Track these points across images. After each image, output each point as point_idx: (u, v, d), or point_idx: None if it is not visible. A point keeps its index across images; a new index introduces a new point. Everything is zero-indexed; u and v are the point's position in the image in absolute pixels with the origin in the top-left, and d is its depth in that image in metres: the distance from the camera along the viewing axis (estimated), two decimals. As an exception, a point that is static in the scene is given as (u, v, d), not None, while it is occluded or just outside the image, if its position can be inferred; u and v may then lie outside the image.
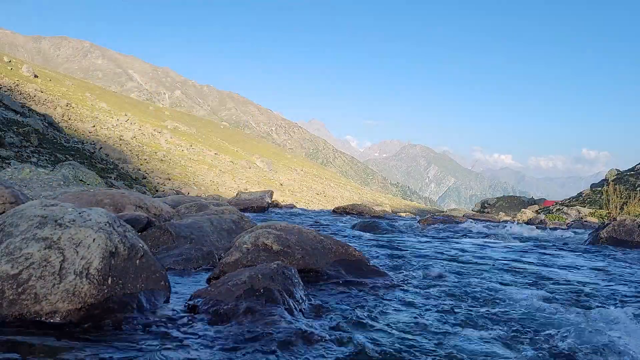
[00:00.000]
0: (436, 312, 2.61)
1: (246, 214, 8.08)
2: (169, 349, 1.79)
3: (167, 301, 2.38)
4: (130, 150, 43.33)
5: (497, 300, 2.93)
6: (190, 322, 2.11)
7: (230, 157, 62.51)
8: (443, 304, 2.78)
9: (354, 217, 13.56)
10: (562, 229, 11.38)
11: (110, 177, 19.67)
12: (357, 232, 7.84)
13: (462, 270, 4.06)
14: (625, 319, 2.43)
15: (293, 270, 2.61)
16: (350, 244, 3.82)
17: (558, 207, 29.13)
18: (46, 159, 21.13)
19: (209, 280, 3.02)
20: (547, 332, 2.27)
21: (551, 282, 3.74)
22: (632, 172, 32.75)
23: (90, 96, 61.66)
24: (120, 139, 46.20)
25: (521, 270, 4.29)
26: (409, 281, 3.46)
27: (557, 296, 3.17)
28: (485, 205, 42.46)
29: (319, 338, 1.98)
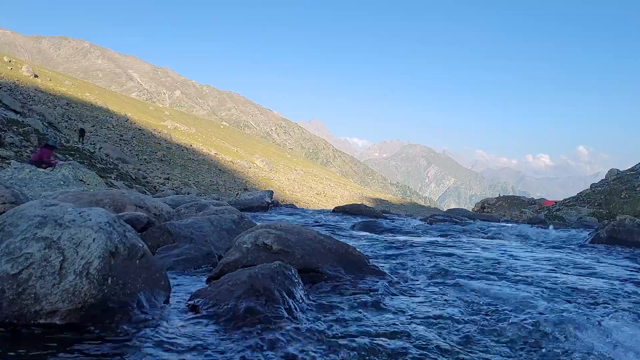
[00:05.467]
0: (435, 312, 2.61)
1: (246, 214, 8.08)
2: (169, 349, 1.79)
3: (167, 301, 2.38)
4: (130, 150, 43.33)
5: (495, 301, 2.93)
6: (190, 322, 2.11)
7: (230, 157, 62.50)
8: (442, 304, 2.78)
9: (354, 217, 13.54)
10: (562, 229, 11.38)
11: (110, 177, 19.66)
12: (357, 232, 7.83)
13: (462, 270, 4.05)
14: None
15: (293, 270, 2.61)
16: (350, 244, 3.82)
17: (558, 207, 29.13)
18: (46, 159, 21.09)
19: (209, 280, 3.02)
20: (547, 340, 2.27)
21: (550, 283, 3.74)
22: (632, 172, 32.73)
23: (90, 96, 61.63)
24: (120, 139, 46.21)
25: (521, 271, 4.29)
26: (408, 281, 3.46)
27: (555, 297, 3.17)
28: (486, 205, 42.47)
29: (319, 338, 1.98)
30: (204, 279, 3.13)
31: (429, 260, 4.51)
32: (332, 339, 1.98)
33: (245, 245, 3.25)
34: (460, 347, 2.06)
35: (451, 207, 38.05)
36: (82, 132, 32.82)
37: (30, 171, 9.14)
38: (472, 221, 12.59)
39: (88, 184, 9.98)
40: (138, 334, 1.91)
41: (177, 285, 2.83)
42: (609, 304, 3.01)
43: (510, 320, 2.44)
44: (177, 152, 52.19)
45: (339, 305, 2.62)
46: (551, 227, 10.83)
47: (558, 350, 2.05)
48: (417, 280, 3.50)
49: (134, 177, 26.02)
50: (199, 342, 1.86)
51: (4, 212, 3.98)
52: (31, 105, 36.46)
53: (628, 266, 4.96)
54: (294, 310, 2.26)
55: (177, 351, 1.77)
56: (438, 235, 8.17)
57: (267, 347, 1.82)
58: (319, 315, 2.38)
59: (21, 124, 22.63)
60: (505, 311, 2.64)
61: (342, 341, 1.96)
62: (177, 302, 2.41)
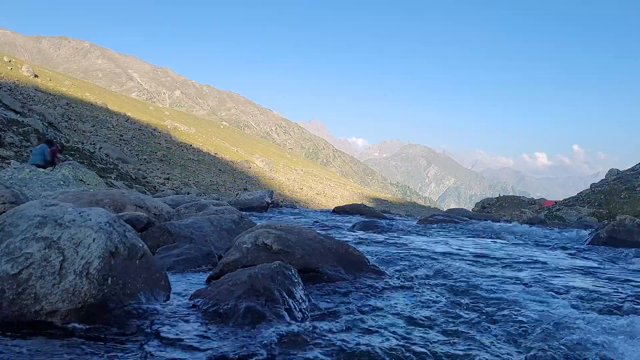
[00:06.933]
0: (434, 311, 2.61)
1: (246, 214, 8.08)
2: (169, 349, 1.79)
3: (167, 301, 2.38)
4: (130, 150, 43.31)
5: (493, 302, 2.93)
6: (190, 322, 2.11)
7: (230, 156, 62.47)
8: (441, 304, 2.78)
9: (354, 216, 13.54)
10: (562, 229, 11.37)
11: (110, 177, 19.65)
12: (357, 232, 7.83)
13: (461, 270, 4.05)
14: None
15: (293, 270, 2.61)
16: (349, 244, 3.83)
17: (558, 207, 29.15)
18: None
19: (209, 280, 3.02)
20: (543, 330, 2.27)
21: (550, 283, 3.74)
22: (632, 172, 32.75)
23: (90, 96, 61.60)
24: (120, 139, 46.19)
25: (520, 272, 4.29)
26: (408, 280, 3.46)
27: (555, 298, 3.17)
28: (486, 205, 42.46)
29: (319, 337, 1.98)
30: (204, 279, 3.13)
31: (429, 260, 4.51)
32: (332, 339, 1.98)
33: (245, 245, 3.25)
34: (456, 343, 2.06)
35: (451, 207, 38.05)
36: None
37: (30, 171, 9.14)
38: (472, 221, 12.58)
39: (88, 184, 9.98)
40: (138, 334, 1.91)
41: (177, 285, 2.83)
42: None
43: (508, 316, 2.45)
44: (177, 152, 52.15)
45: (339, 304, 2.63)
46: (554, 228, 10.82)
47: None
48: (417, 280, 3.50)
49: (134, 177, 26.01)
50: (199, 342, 1.86)
51: (4, 212, 3.98)
52: (31, 105, 36.45)
53: (628, 266, 4.96)
54: (294, 310, 2.26)
55: (177, 351, 1.77)
56: (438, 235, 8.17)
57: (268, 347, 1.82)
58: (319, 315, 2.38)
59: (21, 124, 22.62)
60: (502, 307, 2.64)
61: (342, 341, 1.96)
62: (177, 302, 2.41)
